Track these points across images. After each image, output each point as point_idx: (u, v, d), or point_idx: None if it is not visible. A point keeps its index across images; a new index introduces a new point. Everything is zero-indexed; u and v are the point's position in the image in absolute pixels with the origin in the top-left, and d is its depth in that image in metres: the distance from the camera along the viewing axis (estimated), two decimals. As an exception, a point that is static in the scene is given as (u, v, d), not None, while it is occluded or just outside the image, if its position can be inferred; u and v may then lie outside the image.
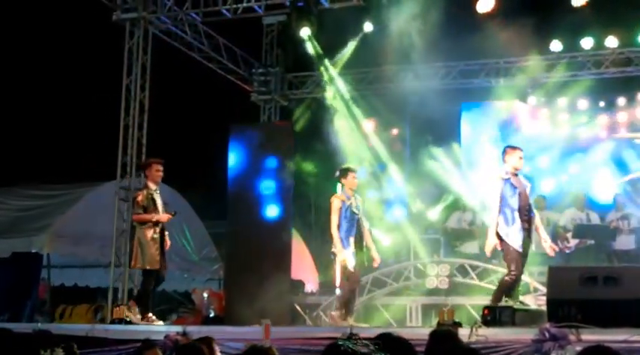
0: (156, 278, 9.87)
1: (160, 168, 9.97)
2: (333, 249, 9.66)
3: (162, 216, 9.74)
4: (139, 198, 9.71)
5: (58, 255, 13.82)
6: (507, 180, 8.79)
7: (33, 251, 12.87)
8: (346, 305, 9.55)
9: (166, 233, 9.87)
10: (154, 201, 9.70)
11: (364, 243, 9.68)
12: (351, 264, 9.41)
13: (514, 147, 9.20)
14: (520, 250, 8.59)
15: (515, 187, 8.77)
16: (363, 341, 3.55)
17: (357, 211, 9.63)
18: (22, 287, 13.01)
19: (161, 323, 9.73)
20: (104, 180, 14.02)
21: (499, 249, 8.89)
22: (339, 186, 10.04)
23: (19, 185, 14.72)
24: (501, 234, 8.64)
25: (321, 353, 3.44)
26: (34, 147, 19.88)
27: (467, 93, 16.02)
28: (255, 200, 14.12)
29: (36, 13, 18.55)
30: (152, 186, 9.90)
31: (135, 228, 9.75)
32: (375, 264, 10.16)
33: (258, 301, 12.04)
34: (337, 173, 9.97)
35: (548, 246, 9.10)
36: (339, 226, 9.52)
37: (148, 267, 9.65)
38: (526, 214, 8.75)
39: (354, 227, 9.59)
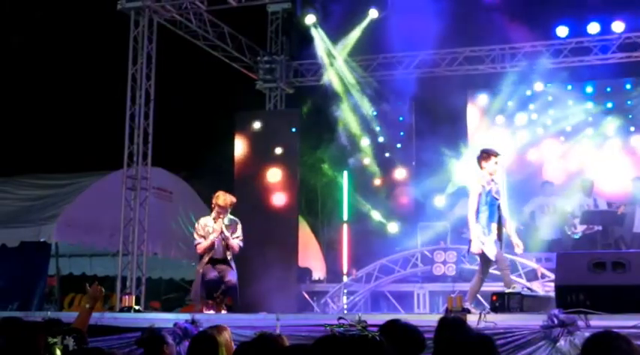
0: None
1: (220, 210, 9.75)
2: (468, 236, 9.12)
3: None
4: (196, 226, 9.81)
5: (66, 244, 13.85)
6: None
7: (41, 240, 12.90)
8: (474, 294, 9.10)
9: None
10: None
11: (504, 230, 9.06)
12: (492, 253, 8.79)
13: None
14: None
15: None
16: (351, 326, 3.58)
17: (497, 196, 8.99)
18: (31, 277, 13.06)
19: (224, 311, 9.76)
20: (111, 170, 14.04)
21: None
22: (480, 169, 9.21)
23: (26, 175, 14.75)
24: None
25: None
26: (41, 137, 19.91)
27: (473, 80, 15.97)
28: (262, 188, 14.15)
29: (41, 2, 18.55)
30: (210, 217, 9.80)
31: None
32: (519, 250, 9.38)
33: (265, 289, 12.08)
34: (478, 154, 9.28)
35: None
36: (479, 212, 8.89)
37: None
38: None
39: (496, 213, 8.94)
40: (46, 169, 15.39)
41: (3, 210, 13.63)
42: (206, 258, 9.70)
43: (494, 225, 8.87)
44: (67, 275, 15.47)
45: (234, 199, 9.88)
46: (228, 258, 9.81)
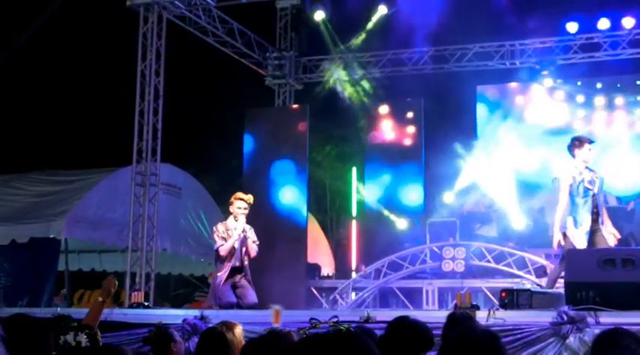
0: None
1: (241, 205, 9.36)
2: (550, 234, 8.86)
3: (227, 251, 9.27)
4: (215, 230, 9.38)
5: (76, 240, 13.88)
6: None
7: (51, 236, 12.94)
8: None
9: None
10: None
11: (601, 221, 8.69)
12: (582, 246, 8.48)
13: None
14: None
15: None
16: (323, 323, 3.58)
17: (591, 186, 8.63)
18: (40, 273, 13.09)
19: None
20: (120, 166, 14.07)
21: None
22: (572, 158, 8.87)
23: (35, 171, 14.79)
24: None
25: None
26: (50, 134, 19.98)
27: (482, 76, 15.94)
28: (271, 184, 14.17)
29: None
30: (229, 222, 9.43)
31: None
32: (613, 241, 8.83)
33: (274, 285, 12.08)
34: (569, 142, 8.86)
35: None
36: (573, 205, 8.56)
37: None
38: None
39: (588, 204, 8.59)
40: (56, 165, 15.44)
41: (13, 206, 13.68)
42: (227, 265, 9.27)
43: (587, 217, 8.61)
44: (76, 271, 15.52)
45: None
46: (245, 263, 9.45)
